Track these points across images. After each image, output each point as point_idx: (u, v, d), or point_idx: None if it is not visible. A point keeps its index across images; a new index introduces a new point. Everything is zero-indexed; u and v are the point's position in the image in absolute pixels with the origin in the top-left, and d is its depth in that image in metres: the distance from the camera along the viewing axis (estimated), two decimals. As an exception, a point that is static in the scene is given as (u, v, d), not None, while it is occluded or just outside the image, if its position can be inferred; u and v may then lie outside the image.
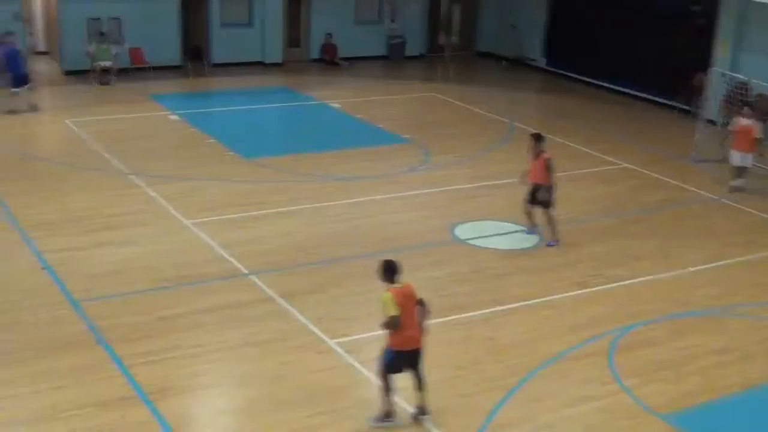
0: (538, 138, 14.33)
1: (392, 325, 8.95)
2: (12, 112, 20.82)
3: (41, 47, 28.35)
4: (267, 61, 28.11)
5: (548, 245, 14.34)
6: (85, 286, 12.28)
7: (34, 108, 21.16)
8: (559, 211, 14.55)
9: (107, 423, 9.23)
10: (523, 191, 14.58)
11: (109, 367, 10.28)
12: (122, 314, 11.55)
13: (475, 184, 17.31)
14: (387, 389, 9.28)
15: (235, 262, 13.25)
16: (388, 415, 9.35)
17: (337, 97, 24.42)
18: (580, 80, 27.12)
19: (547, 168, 14.14)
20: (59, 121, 20.79)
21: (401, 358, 9.19)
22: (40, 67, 26.15)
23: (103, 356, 10.50)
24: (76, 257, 13.22)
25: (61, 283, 12.33)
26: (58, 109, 21.56)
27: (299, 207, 15.73)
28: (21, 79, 21.25)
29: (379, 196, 16.44)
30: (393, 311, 8.89)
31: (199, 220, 14.83)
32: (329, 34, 28.93)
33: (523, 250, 14.31)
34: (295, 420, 9.43)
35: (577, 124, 22.18)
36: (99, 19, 25.76)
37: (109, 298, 12.00)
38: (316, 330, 11.33)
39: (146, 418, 9.34)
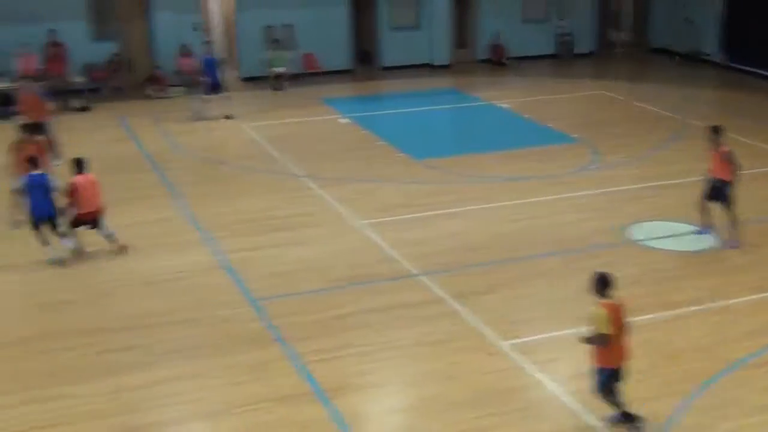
0: (715, 130, 13.75)
1: (601, 342, 8.64)
2: (203, 118, 21.73)
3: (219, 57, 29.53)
4: (435, 63, 28.27)
5: (730, 247, 13.73)
6: (263, 285, 12.70)
7: (229, 116, 21.97)
8: (737, 210, 13.95)
9: (282, 419, 9.50)
10: (697, 190, 14.08)
11: (285, 364, 10.59)
12: (297, 313, 11.88)
13: (644, 185, 16.81)
14: (614, 403, 9.04)
15: (406, 263, 13.39)
16: (628, 418, 9.11)
17: (504, 97, 24.30)
18: (762, 75, 25.89)
19: (727, 161, 13.55)
20: (237, 126, 21.62)
21: (614, 375, 8.88)
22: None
23: (279, 353, 10.83)
24: (253, 257, 13.70)
25: (240, 282, 12.80)
26: (236, 114, 22.37)
27: (468, 208, 15.75)
28: (215, 87, 22.15)
29: (546, 197, 16.24)
30: (606, 329, 8.58)
31: (370, 221, 15.08)
32: (497, 34, 28.80)
33: (696, 251, 13.78)
34: (465, 421, 9.43)
35: (758, 122, 21.18)
36: (273, 26, 26.64)
37: (285, 297, 12.37)
38: (486, 331, 11.30)
39: (321, 416, 9.54)
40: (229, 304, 12.17)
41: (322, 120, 22.31)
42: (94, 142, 19.83)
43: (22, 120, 16.83)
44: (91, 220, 13.73)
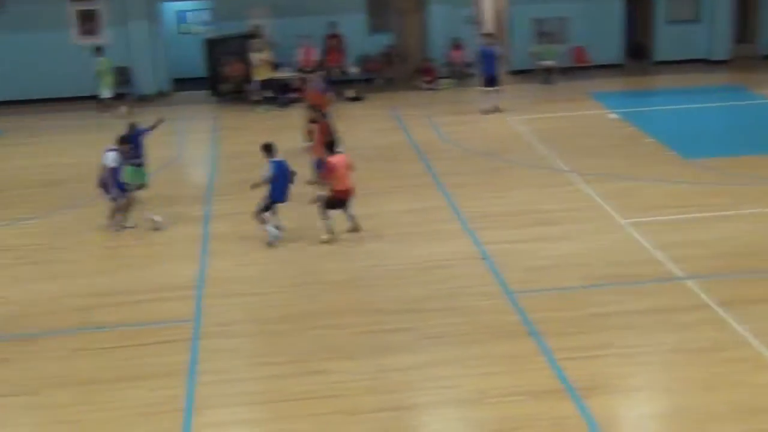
0: None
1: None
2: (488, 111, 21.98)
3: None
4: (712, 58, 27.00)
5: None
6: (521, 278, 12.75)
7: (496, 109, 22.08)
8: None
9: (534, 413, 9.51)
10: None
11: (539, 359, 10.58)
12: (554, 308, 11.83)
13: None
14: None
15: (671, 265, 12.95)
16: None
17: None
18: None
19: None
20: (504, 119, 21.74)
21: None
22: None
23: (533, 348, 10.83)
24: (513, 250, 13.76)
25: (499, 274, 12.91)
26: (504, 108, 22.47)
27: (744, 211, 14.92)
28: (491, 80, 22.32)
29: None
30: None
31: (634, 219, 14.70)
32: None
33: None
34: (723, 435, 9.05)
35: None
36: (545, 19, 26.51)
37: (542, 292, 12.35)
38: (756, 342, 10.71)
39: (572, 413, 9.47)
40: (488, 295, 12.32)
41: (590, 115, 21.96)
42: (366, 131, 20.67)
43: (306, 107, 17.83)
44: (344, 200, 14.36)
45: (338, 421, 9.55)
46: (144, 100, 25.23)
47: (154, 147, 16.96)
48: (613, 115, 21.73)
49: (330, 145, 14.64)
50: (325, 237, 14.23)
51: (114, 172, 14.71)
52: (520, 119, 21.53)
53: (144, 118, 23.30)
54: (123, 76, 25.39)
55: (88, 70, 24.18)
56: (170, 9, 27.23)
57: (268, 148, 14.36)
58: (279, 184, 14.19)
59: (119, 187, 14.76)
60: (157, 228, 14.87)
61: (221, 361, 10.88)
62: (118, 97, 23.89)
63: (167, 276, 13.38)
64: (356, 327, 11.56)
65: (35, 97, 24.94)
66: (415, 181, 17.21)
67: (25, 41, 24.80)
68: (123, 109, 23.11)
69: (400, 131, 21.05)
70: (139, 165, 15.60)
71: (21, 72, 24.95)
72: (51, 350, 11.30)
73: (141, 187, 15.45)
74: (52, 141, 21.51)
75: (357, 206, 15.26)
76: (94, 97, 24.37)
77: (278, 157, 14.35)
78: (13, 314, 12.38)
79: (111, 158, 14.69)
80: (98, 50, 23.59)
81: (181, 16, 27.87)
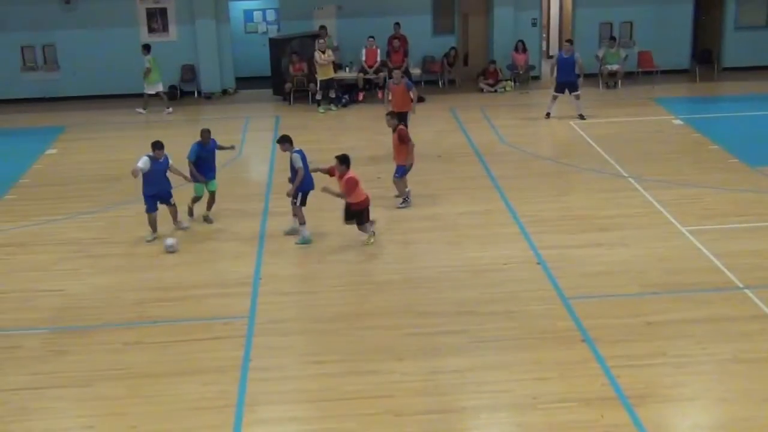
0: None
1: None
2: (581, 117, 21.69)
3: (553, 51, 29.57)
4: (783, 65, 26.43)
5: None
6: (576, 283, 12.62)
7: (580, 117, 21.65)
8: None
9: (585, 420, 9.41)
10: None
11: (592, 365, 10.46)
12: (609, 315, 11.68)
13: None
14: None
15: (730, 274, 12.70)
16: None
17: None
18: None
19: None
20: (565, 123, 21.54)
21: None
22: (548, 70, 27.25)
23: (587, 354, 10.71)
24: (569, 255, 13.62)
25: (554, 278, 12.79)
26: (564, 111, 22.25)
27: (808, 222, 14.63)
28: (571, 87, 21.71)
29: None
30: None
31: (694, 227, 14.45)
32: None
33: None
34: (781, 451, 8.84)
35: None
36: (611, 23, 26.21)
37: (598, 298, 12.20)
38: (816, 357, 10.48)
39: (624, 422, 9.34)
40: (542, 299, 12.22)
41: (654, 120, 21.64)
42: (426, 132, 20.63)
43: (389, 109, 17.62)
44: (366, 209, 14.21)
45: (386, 422, 9.55)
46: (209, 98, 25.56)
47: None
48: (677, 121, 21.39)
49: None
50: (371, 239, 14.32)
51: (145, 179, 14.44)
52: (581, 123, 21.31)
53: (206, 115, 23.72)
54: (189, 73, 25.80)
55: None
56: (237, 8, 27.52)
57: (288, 140, 14.47)
58: (308, 173, 14.29)
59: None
60: (170, 251, 14.26)
61: (273, 359, 10.96)
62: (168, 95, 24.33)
63: (223, 272, 13.52)
64: (408, 328, 11.55)
65: (100, 93, 25.39)
66: (474, 183, 17.14)
67: (92, 38, 25.27)
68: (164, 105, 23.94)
69: (460, 133, 20.99)
70: (212, 178, 15.38)
71: (86, 68, 25.42)
72: (105, 343, 11.49)
73: (196, 199, 15.45)
74: (113, 137, 21.86)
75: (415, 207, 15.33)
76: (157, 95, 24.77)
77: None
78: (69, 306, 12.62)
79: (144, 162, 14.31)
80: (146, 48, 23.95)
81: (247, 15, 28.15)
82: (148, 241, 14.57)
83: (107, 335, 11.71)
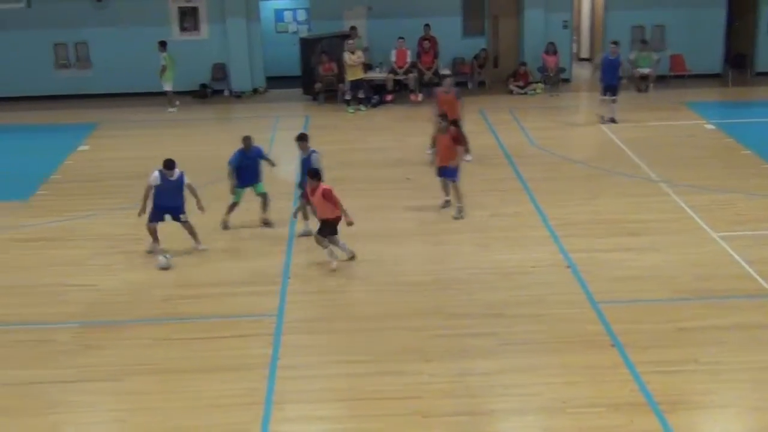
0: None
1: None
2: (611, 120, 21.49)
3: (584, 54, 29.48)
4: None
5: None
6: (606, 288, 12.54)
7: (612, 121, 21.42)
8: None
9: (615, 426, 9.35)
10: None
11: (621, 371, 10.39)
12: (639, 320, 11.60)
13: None
14: None
15: (762, 282, 12.57)
16: None
17: None
18: None
19: None
20: (595, 126, 21.42)
21: None
22: (579, 73, 27.24)
23: (616, 359, 10.64)
24: (599, 259, 13.55)
25: (583, 282, 12.73)
26: (594, 114, 22.15)
27: (842, 229, 14.46)
28: (612, 89, 21.51)
29: None
30: None
31: (727, 233, 14.31)
32: None
33: None
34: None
35: None
36: (643, 26, 26.06)
37: (628, 303, 12.12)
38: None
39: (654, 428, 9.28)
40: (571, 303, 12.16)
41: (686, 124, 21.48)
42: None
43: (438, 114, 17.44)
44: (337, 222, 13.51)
45: (414, 423, 9.54)
46: (239, 96, 25.66)
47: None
48: (709, 126, 21.22)
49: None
50: (334, 265, 13.52)
51: (155, 191, 14.02)
52: (612, 127, 21.18)
53: (236, 114, 23.83)
54: (219, 72, 25.93)
55: (185, 65, 24.82)
56: (268, 8, 27.61)
57: (306, 138, 14.45)
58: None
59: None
60: (163, 267, 13.72)
61: (301, 357, 10.99)
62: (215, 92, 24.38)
63: (252, 271, 13.56)
64: (436, 330, 11.53)
65: (132, 91, 25.56)
66: (503, 186, 17.09)
67: (124, 36, 25.44)
68: (177, 102, 24.13)
69: (490, 135, 20.93)
70: (255, 184, 15.19)
71: (119, 66, 25.59)
72: (135, 338, 11.57)
73: (233, 207, 15.20)
74: (144, 134, 22.02)
75: (445, 209, 15.33)
76: (190, 92, 24.92)
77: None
78: (101, 301, 12.71)
79: (153, 177, 13.97)
80: (162, 45, 24.10)
81: (278, 15, 28.23)
82: (148, 252, 14.14)
83: (137, 330, 11.79)
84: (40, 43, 25.61)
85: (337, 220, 13.43)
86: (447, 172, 15.50)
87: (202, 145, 20.54)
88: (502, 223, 15.16)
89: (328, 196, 13.14)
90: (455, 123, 16.74)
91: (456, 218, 15.31)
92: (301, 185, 14.44)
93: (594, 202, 16.07)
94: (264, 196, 15.28)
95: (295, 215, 14.99)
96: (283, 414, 9.79)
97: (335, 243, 13.57)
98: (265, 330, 11.65)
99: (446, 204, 15.75)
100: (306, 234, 14.61)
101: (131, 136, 21.92)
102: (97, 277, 13.48)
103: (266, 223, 15.29)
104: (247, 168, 15.02)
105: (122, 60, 25.49)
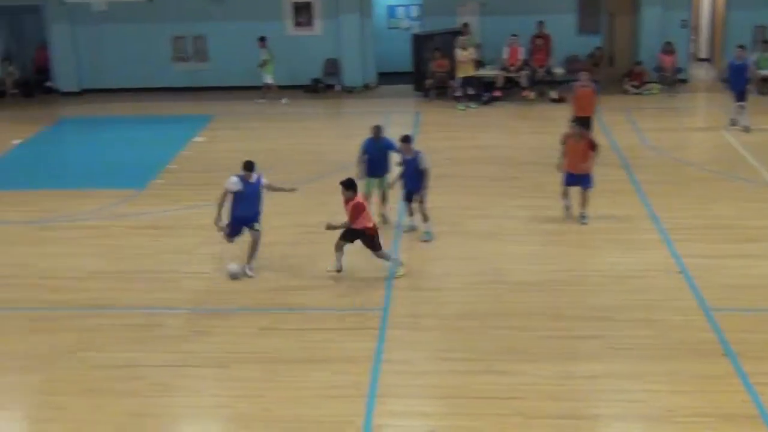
0: None
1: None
2: (745, 128, 20.69)
3: (703, 54, 28.66)
4: None
5: None
6: (720, 295, 12.18)
7: (746, 129, 20.54)
8: None
9: (725, 436, 9.12)
10: None
11: (733, 381, 10.09)
12: (754, 330, 11.24)
13: None
14: None
15: None
16: None
17: None
18: None
19: None
20: (714, 128, 20.81)
21: None
22: (699, 74, 26.48)
23: (728, 369, 10.33)
24: (713, 265, 13.16)
25: (696, 288, 12.38)
26: (713, 116, 21.50)
27: None
28: (742, 95, 20.85)
29: None
30: None
31: None
32: None
33: None
34: None
35: None
36: (765, 26, 25.17)
37: (741, 311, 11.75)
38: None
39: (767, 441, 9.01)
40: (682, 309, 11.85)
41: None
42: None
43: (573, 114, 17.10)
44: (375, 237, 13.14)
45: (516, 423, 9.47)
46: (350, 91, 25.85)
47: (352, 139, 17.26)
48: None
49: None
50: (401, 270, 13.32)
51: (234, 198, 13.23)
52: (732, 130, 20.51)
53: (347, 109, 24.02)
54: (332, 67, 26.18)
55: (298, 60, 25.19)
56: (381, 3, 27.73)
57: (411, 140, 14.36)
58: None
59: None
60: (233, 273, 13.20)
61: (406, 352, 11.02)
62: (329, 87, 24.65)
63: (357, 265, 13.51)
64: (542, 330, 11.41)
65: (245, 85, 26.01)
66: (615, 187, 16.75)
67: (240, 30, 25.92)
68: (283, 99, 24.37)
69: (603, 135, 20.53)
70: (381, 176, 14.92)
71: (234, 59, 26.09)
72: (242, 326, 11.80)
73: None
74: (258, 127, 22.40)
75: (554, 209, 15.13)
76: (302, 87, 25.23)
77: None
78: (211, 290, 13.00)
79: (233, 182, 13.17)
80: (262, 40, 24.45)
81: (390, 11, 28.32)
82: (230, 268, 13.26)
83: (244, 319, 12.03)
84: (159, 36, 26.35)
85: (373, 231, 13.06)
86: (583, 180, 14.98)
87: (312, 138, 20.79)
88: (613, 226, 14.87)
89: (357, 210, 12.69)
90: (588, 122, 16.27)
91: (583, 224, 14.90)
92: (406, 186, 14.43)
93: (710, 207, 15.61)
94: (383, 193, 15.05)
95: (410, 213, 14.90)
96: (386, 407, 9.84)
97: (383, 257, 13.20)
98: (369, 324, 11.72)
99: (568, 209, 15.25)
100: (411, 229, 14.62)
101: (245, 129, 22.31)
102: (209, 265, 13.78)
103: (384, 219, 15.03)
104: (371, 157, 14.78)
105: (238, 54, 25.98)
